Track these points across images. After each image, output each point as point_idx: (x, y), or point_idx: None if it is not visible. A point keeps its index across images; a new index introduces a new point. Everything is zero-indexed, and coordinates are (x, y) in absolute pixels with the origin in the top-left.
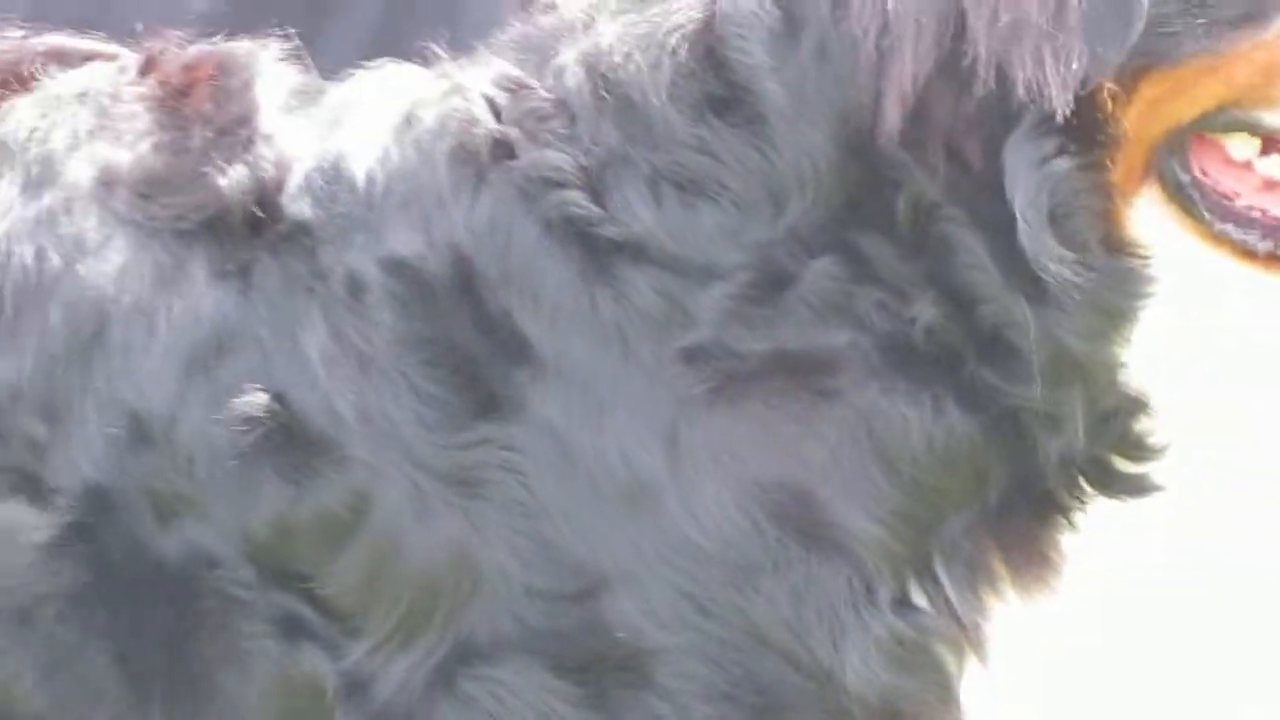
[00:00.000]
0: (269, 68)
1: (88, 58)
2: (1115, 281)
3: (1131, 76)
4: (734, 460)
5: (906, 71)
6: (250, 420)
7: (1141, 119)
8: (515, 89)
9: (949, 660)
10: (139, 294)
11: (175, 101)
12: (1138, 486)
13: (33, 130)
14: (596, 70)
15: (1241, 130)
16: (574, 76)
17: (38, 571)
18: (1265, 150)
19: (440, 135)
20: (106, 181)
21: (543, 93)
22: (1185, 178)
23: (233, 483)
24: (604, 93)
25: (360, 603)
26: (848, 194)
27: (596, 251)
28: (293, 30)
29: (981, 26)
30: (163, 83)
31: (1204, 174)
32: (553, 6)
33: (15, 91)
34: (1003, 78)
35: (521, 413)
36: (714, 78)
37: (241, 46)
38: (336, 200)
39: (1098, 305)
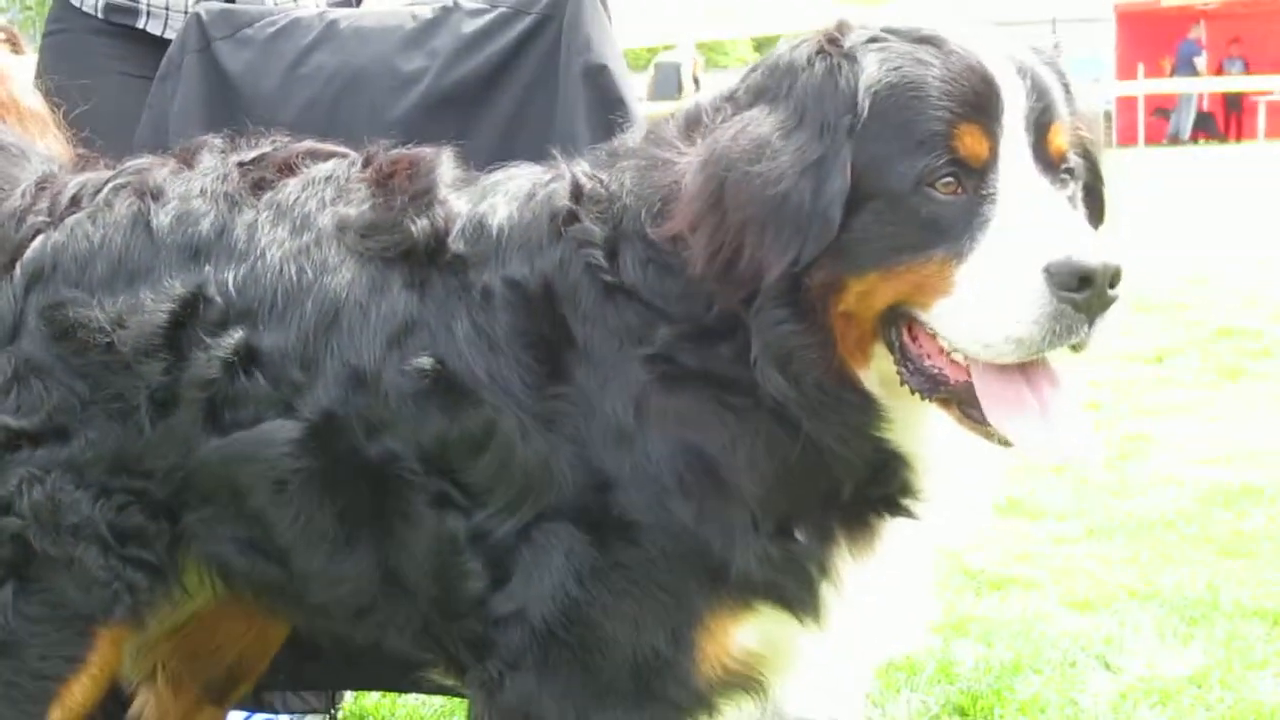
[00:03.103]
0: (444, 166)
1: (330, 155)
2: (835, 405)
3: (841, 277)
4: (670, 428)
5: (678, 225)
6: (423, 374)
7: (859, 303)
8: (591, 180)
9: (814, 574)
10: (359, 296)
11: (384, 181)
12: (904, 513)
13: (296, 199)
14: (619, 190)
15: (910, 319)
16: (614, 187)
17: (288, 458)
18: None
19: (545, 204)
20: (341, 227)
21: (601, 188)
22: (896, 341)
23: (411, 413)
24: (619, 205)
25: (486, 487)
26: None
27: (607, 288)
28: (456, 138)
29: (731, 214)
30: (377, 170)
31: (912, 339)
32: (630, 137)
33: (286, 175)
34: (746, 255)
35: (571, 380)
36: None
37: (425, 152)
38: (480, 242)
39: (829, 420)
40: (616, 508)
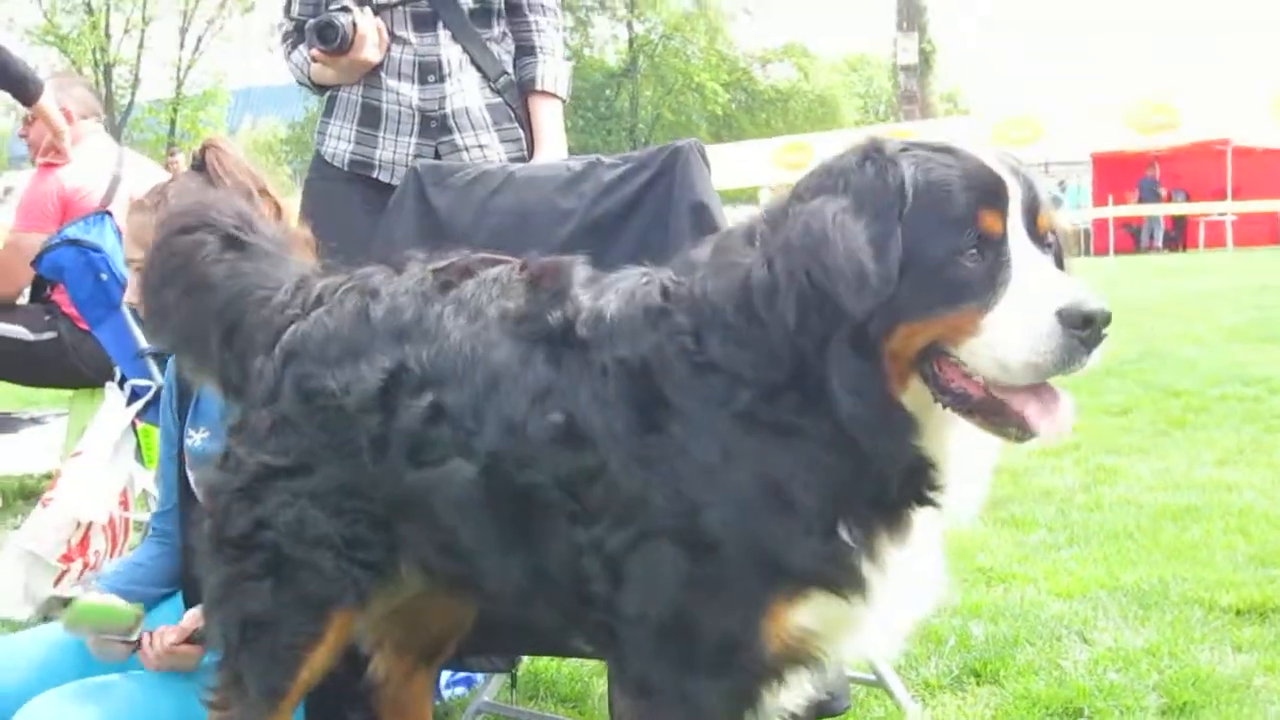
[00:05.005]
0: (578, 269)
1: (497, 262)
2: (887, 422)
3: (893, 324)
4: (750, 464)
5: (767, 298)
6: (555, 426)
7: (903, 343)
8: (676, 284)
9: (861, 563)
10: (511, 367)
11: (535, 282)
12: (932, 503)
13: (472, 294)
14: (702, 291)
15: (941, 354)
16: (697, 289)
17: (467, 490)
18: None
19: (641, 302)
20: (502, 316)
21: (685, 290)
22: (930, 371)
23: (549, 453)
24: (703, 301)
25: (600, 507)
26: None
27: (698, 365)
28: (599, 257)
29: (816, 275)
30: (530, 274)
31: (939, 369)
32: (700, 251)
33: (466, 278)
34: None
35: (665, 431)
36: (747, 306)
37: (565, 259)
38: (598, 329)
39: (882, 434)
40: (706, 529)
